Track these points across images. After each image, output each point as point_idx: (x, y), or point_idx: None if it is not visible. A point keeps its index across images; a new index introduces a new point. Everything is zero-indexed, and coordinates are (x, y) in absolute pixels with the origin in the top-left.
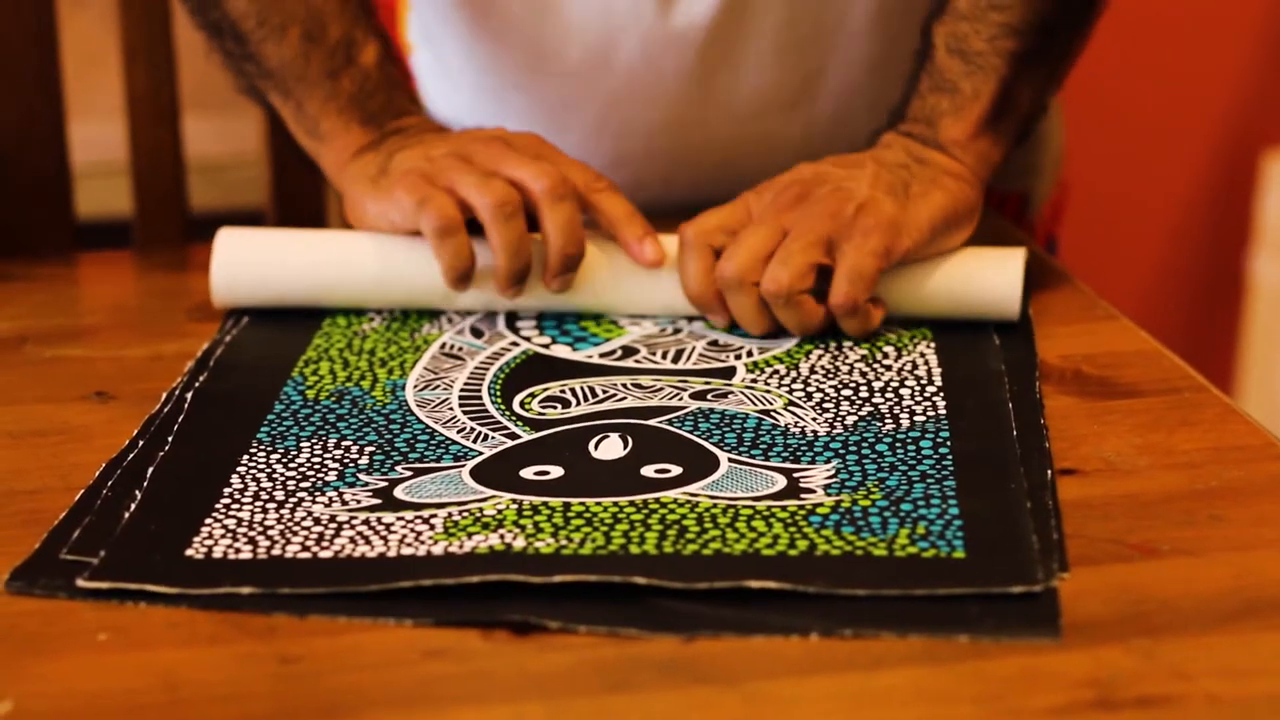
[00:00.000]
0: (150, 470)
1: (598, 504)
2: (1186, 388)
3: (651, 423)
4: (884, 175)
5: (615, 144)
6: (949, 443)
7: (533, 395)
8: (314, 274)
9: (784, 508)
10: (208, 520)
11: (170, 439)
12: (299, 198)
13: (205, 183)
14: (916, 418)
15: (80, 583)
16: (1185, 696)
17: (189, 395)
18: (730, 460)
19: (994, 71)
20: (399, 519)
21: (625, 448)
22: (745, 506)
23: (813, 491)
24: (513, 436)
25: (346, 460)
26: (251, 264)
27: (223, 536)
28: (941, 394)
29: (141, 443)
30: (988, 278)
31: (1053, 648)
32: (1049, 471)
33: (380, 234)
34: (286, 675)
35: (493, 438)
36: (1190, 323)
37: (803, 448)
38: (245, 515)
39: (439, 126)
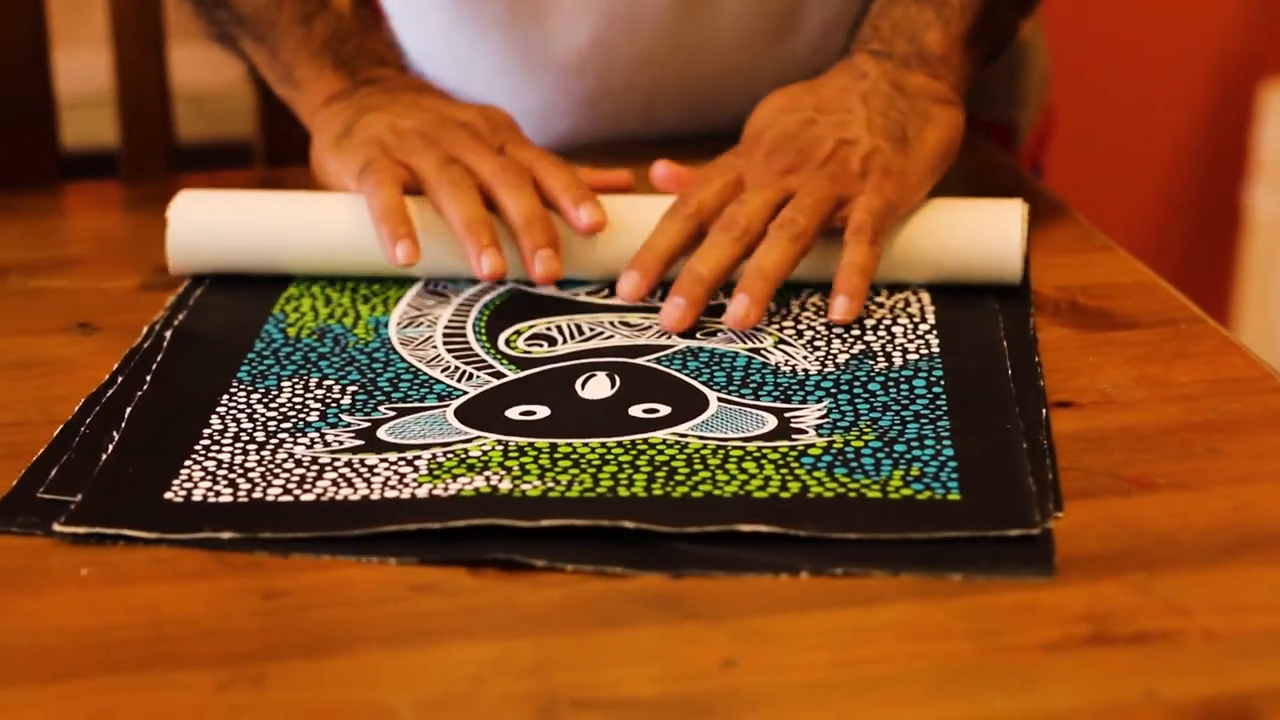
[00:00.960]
0: (129, 410)
1: (585, 445)
2: (1184, 319)
3: (639, 361)
4: (877, 120)
5: (596, 81)
6: (942, 381)
7: (518, 333)
8: (278, 240)
9: (775, 449)
10: (187, 462)
11: (149, 377)
12: (287, 128)
13: (193, 112)
14: (909, 355)
15: (57, 527)
16: (1182, 631)
17: (168, 333)
18: (720, 400)
19: None
20: (382, 460)
21: (613, 387)
22: (735, 447)
23: (804, 432)
24: (498, 375)
25: (329, 400)
26: (211, 229)
27: (202, 479)
28: (935, 332)
29: (121, 379)
30: (987, 244)
31: (1048, 583)
32: (1044, 410)
33: (347, 197)
34: (272, 610)
35: (478, 377)
36: (1187, 254)
37: (794, 387)
38: (225, 457)
39: (414, 82)
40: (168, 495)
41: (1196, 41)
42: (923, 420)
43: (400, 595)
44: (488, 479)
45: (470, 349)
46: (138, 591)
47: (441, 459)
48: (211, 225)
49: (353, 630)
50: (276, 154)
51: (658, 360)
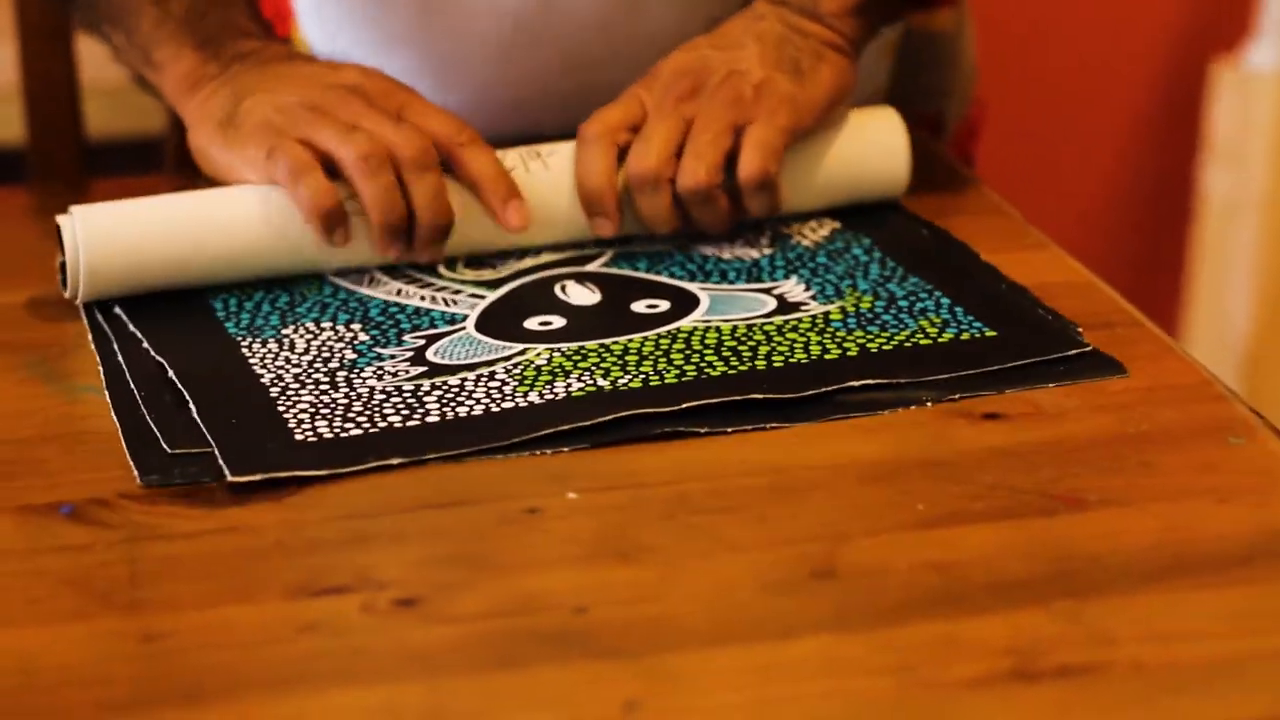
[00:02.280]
0: (172, 375)
1: (630, 340)
2: (1120, 322)
3: (591, 268)
4: (770, 53)
5: (514, 91)
6: (876, 248)
7: (454, 260)
8: (198, 251)
9: (799, 320)
10: (280, 408)
11: (149, 348)
12: None
13: (105, 108)
14: (824, 233)
15: (232, 478)
16: (1109, 665)
17: (110, 319)
18: (703, 289)
19: None
20: (462, 380)
21: (596, 293)
22: (765, 324)
23: (806, 304)
24: (478, 296)
25: (351, 339)
26: (122, 248)
27: (316, 419)
28: (839, 221)
29: (120, 355)
30: (875, 164)
31: (969, 612)
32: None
33: (256, 194)
34: (151, 654)
35: (462, 300)
36: (1140, 236)
37: (752, 269)
38: (311, 399)
39: (283, 51)
40: (299, 437)
41: (1146, 19)
42: (894, 280)
43: (285, 636)
44: (579, 378)
45: (428, 280)
46: (10, 635)
47: (516, 370)
48: (121, 244)
49: (234, 676)
50: (188, 150)
51: (606, 265)
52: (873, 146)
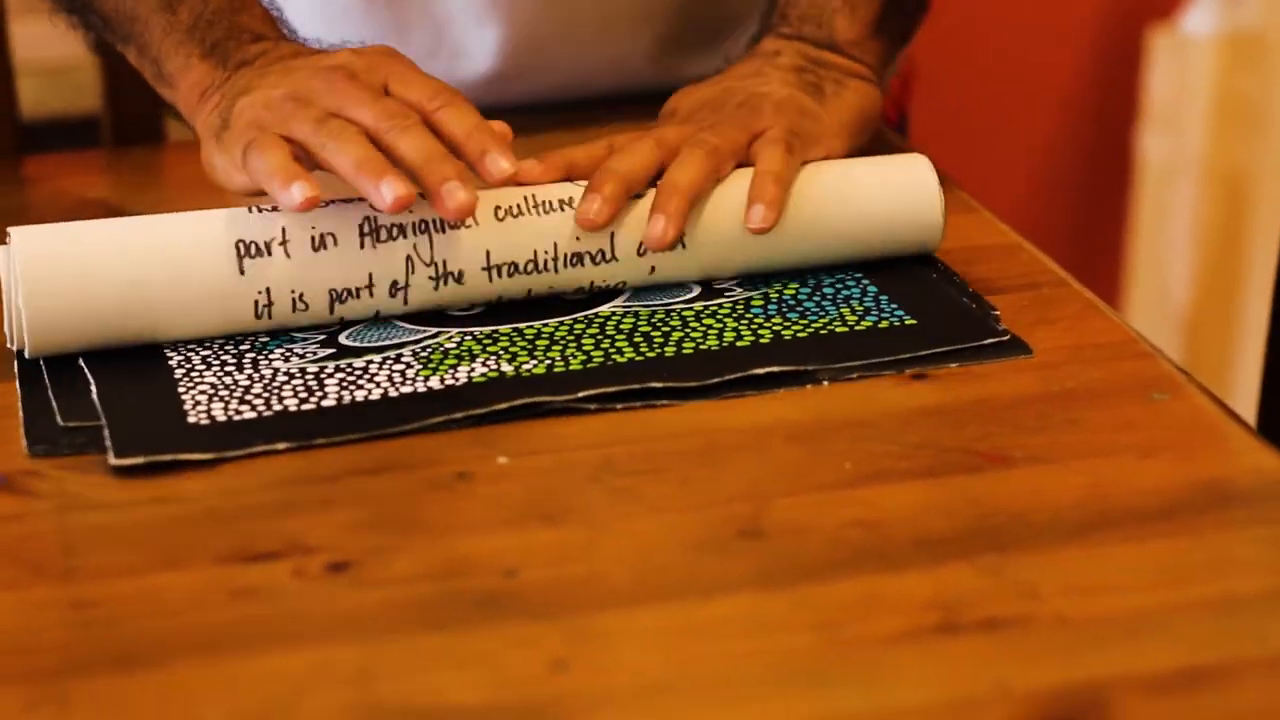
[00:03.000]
0: (80, 359)
1: (545, 325)
2: (1046, 283)
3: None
4: (791, 77)
5: (450, 66)
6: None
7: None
8: (153, 309)
9: (719, 306)
10: (179, 390)
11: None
12: (135, 103)
13: (39, 87)
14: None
15: (114, 461)
16: (1033, 617)
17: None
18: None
19: None
20: (367, 362)
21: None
22: (685, 309)
23: (730, 290)
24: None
25: (267, 335)
26: (71, 306)
27: (210, 401)
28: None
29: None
30: (909, 219)
31: (894, 569)
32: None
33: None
34: (80, 622)
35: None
36: (1079, 201)
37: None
38: (214, 379)
39: (290, 49)
40: (191, 419)
41: None
42: (827, 271)
43: (217, 602)
44: (484, 364)
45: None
46: None
47: (424, 354)
48: (71, 300)
49: (165, 643)
50: (124, 129)
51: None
52: (903, 204)
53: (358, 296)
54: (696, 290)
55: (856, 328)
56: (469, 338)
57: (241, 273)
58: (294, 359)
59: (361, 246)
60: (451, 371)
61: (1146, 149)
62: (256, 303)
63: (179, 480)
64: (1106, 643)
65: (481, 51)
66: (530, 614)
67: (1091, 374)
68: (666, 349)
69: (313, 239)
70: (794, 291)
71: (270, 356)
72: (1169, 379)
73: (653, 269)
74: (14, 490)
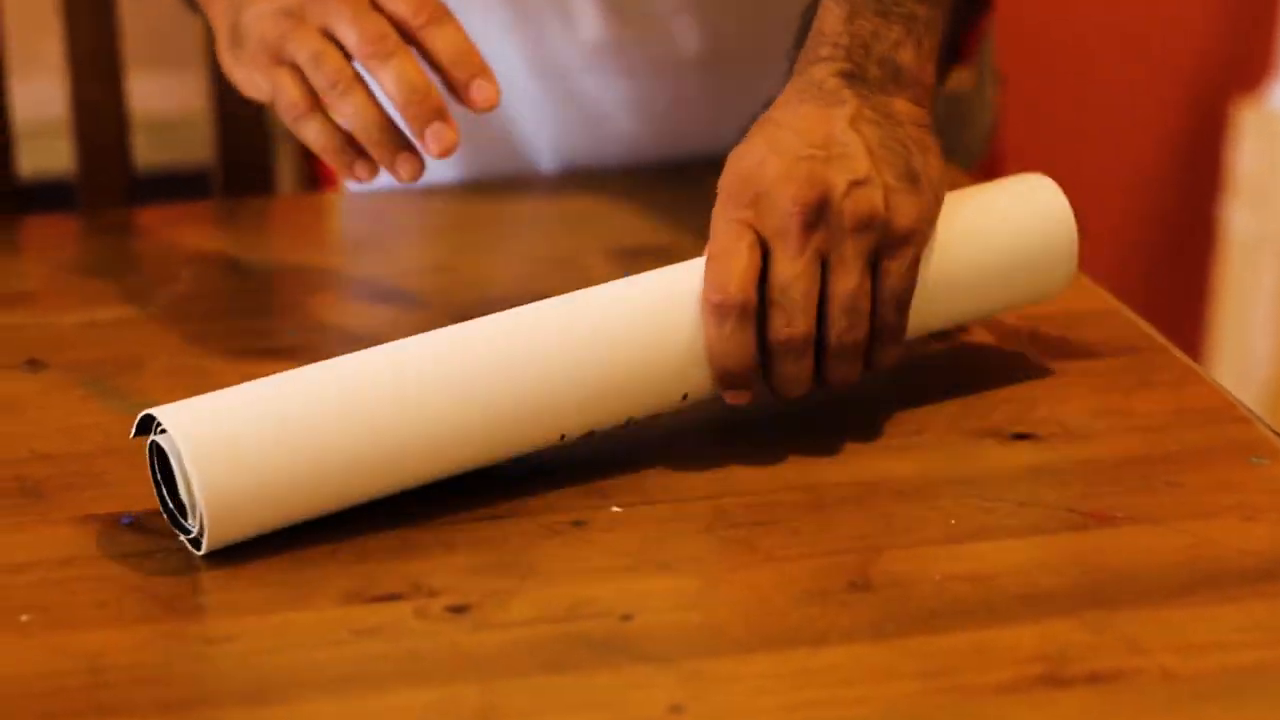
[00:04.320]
0: None
1: None
2: (1146, 348)
3: None
4: (879, 152)
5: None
6: None
7: None
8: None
9: None
10: None
11: None
12: (246, 155)
13: (151, 140)
14: None
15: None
16: (1139, 671)
17: None
18: None
19: None
20: None
21: None
22: None
23: None
24: None
25: None
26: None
27: None
28: None
29: None
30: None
31: (1001, 622)
32: None
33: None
34: (210, 656)
35: None
36: (1162, 272)
37: None
38: None
39: None
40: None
41: (1169, 56)
42: None
43: (342, 639)
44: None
45: None
46: (79, 637)
47: None
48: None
49: (294, 676)
50: (235, 182)
51: None
52: (1037, 249)
53: None
54: None
55: None
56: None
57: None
58: None
59: None
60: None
61: (1231, 222)
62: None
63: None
64: (1210, 699)
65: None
66: (647, 658)
67: (1191, 437)
68: None
69: None
70: None
71: None
72: (1267, 444)
73: None
74: (142, 530)
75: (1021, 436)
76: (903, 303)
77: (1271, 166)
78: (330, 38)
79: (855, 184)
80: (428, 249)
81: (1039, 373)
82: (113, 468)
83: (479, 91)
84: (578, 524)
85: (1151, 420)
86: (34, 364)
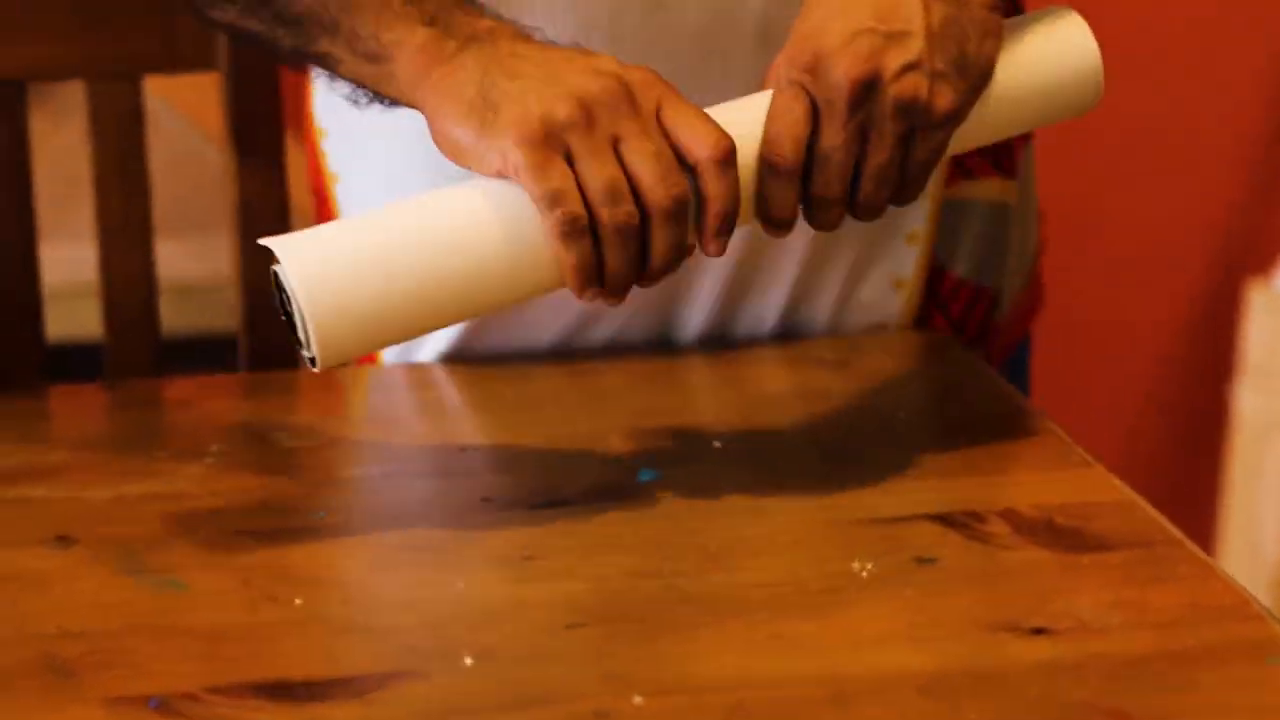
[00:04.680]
0: None
1: None
2: (1161, 541)
3: None
4: (938, 32)
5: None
6: None
7: None
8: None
9: None
10: None
11: None
12: (270, 329)
13: (178, 305)
14: None
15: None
16: None
17: None
18: None
19: None
20: None
21: None
22: None
23: None
24: None
25: None
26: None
27: None
28: None
29: None
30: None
31: None
32: None
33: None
34: None
35: None
36: (1173, 453)
37: None
38: None
39: (519, 32)
40: None
41: (1184, 237)
42: None
43: None
44: None
45: None
46: None
47: None
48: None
49: None
50: (261, 354)
51: None
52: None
53: None
54: None
55: None
56: None
57: None
58: None
59: None
60: None
61: (1241, 404)
62: None
63: (328, 708)
64: None
65: None
66: None
67: (1207, 634)
68: None
69: None
70: None
71: None
72: None
73: None
74: (169, 713)
75: (1039, 631)
76: (927, 170)
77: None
78: (617, 151)
79: (906, 68)
80: (459, 424)
81: (1054, 564)
82: (141, 645)
83: (717, 248)
84: (599, 714)
85: (1166, 616)
86: (63, 540)
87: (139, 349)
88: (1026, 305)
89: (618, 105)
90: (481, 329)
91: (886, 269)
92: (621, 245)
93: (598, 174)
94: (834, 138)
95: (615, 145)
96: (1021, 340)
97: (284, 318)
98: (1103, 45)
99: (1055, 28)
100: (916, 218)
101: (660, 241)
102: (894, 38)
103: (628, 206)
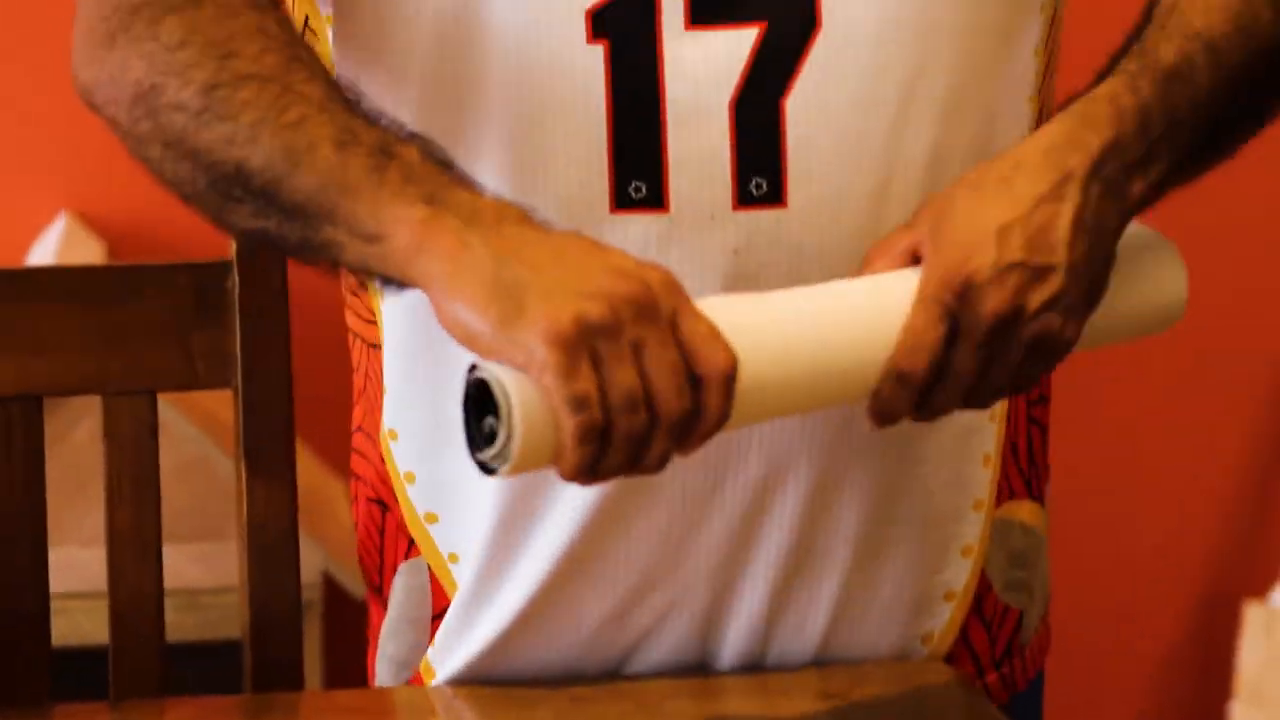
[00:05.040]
0: None
1: None
2: None
3: None
4: (1080, 256)
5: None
6: None
7: None
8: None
9: None
10: None
11: None
12: (276, 629)
13: (183, 609)
14: None
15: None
16: None
17: None
18: None
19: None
20: None
21: None
22: None
23: None
24: None
25: None
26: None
27: None
28: None
29: None
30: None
31: None
32: None
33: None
34: None
35: None
36: None
37: None
38: None
39: (525, 215)
40: None
41: (1182, 556)
42: None
43: None
44: None
45: None
46: None
47: None
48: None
49: None
50: (265, 669)
51: None
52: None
53: None
54: None
55: None
56: None
57: None
58: None
59: None
60: None
61: None
62: None
63: None
64: None
65: None
66: None
67: None
68: None
69: None
70: None
71: None
72: None
73: None
74: None
75: None
76: (1034, 384)
77: (1273, 666)
78: (639, 358)
79: (1046, 306)
80: None
81: None
82: None
83: (693, 452)
84: None
85: None
86: None
87: (145, 659)
88: (1038, 645)
89: (641, 311)
90: (519, 636)
91: (941, 580)
92: (628, 449)
93: (621, 381)
94: (967, 362)
95: (636, 351)
96: (1034, 679)
97: (470, 430)
98: None
99: (1156, 260)
100: (971, 532)
101: (659, 447)
102: (1040, 273)
103: (644, 415)
